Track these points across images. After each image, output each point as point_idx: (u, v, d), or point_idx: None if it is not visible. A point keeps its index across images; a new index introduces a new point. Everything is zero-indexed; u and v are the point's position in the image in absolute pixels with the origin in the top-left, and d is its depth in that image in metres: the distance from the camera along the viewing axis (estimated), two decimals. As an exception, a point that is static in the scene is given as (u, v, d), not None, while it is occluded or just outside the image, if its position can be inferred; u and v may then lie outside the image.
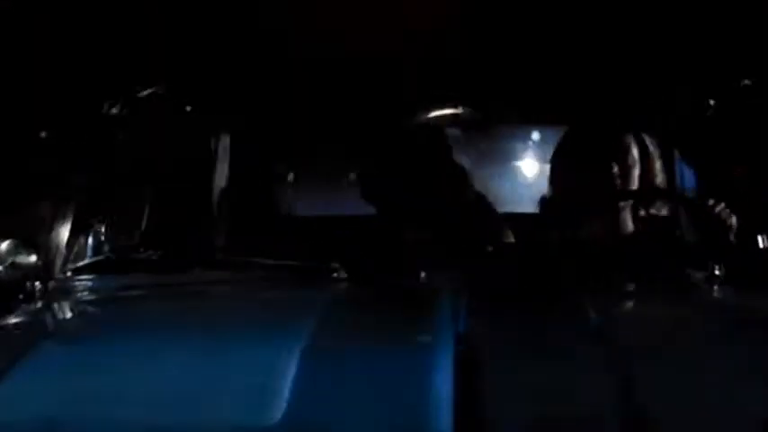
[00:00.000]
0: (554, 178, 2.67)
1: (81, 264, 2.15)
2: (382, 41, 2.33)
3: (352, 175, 2.77)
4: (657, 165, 2.61)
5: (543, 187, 2.74)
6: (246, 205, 2.67)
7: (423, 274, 1.99)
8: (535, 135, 3.35)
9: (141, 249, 2.21)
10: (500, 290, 1.91)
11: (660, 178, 2.62)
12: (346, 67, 2.49)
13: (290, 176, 3.02)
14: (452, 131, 2.81)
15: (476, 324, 1.58)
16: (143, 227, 2.45)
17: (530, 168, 3.46)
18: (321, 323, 1.59)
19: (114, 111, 2.29)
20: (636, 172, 2.60)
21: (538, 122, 3.18)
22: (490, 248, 2.18)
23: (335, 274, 2.06)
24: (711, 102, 2.60)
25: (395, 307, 1.86)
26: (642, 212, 2.59)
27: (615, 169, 2.57)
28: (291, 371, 1.38)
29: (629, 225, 2.60)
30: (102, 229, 2.28)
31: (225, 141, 2.78)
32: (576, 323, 1.66)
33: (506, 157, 3.44)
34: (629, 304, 2.10)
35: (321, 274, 2.05)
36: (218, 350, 1.54)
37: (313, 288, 2.01)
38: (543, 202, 2.68)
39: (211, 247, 2.44)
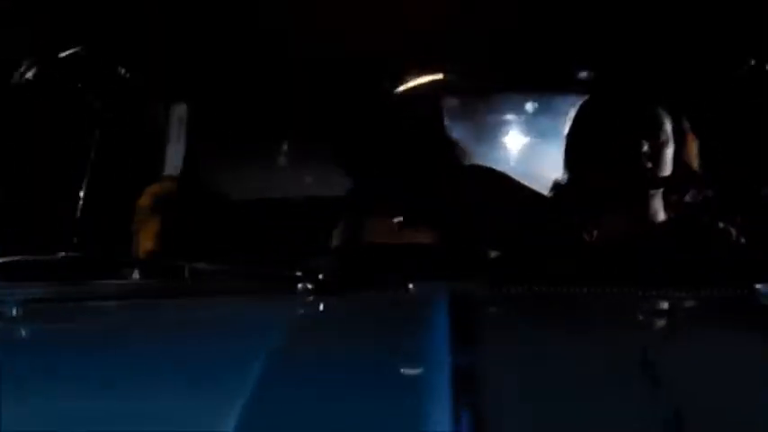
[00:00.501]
0: (570, 158, 2.24)
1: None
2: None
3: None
4: (695, 144, 2.16)
5: (544, 170, 2.36)
6: (199, 194, 2.22)
7: (411, 286, 1.64)
8: (530, 106, 2.86)
9: (59, 249, 1.76)
10: (509, 306, 1.61)
11: (698, 161, 2.18)
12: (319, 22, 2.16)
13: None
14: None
15: (480, 358, 1.25)
16: (61, 221, 2.00)
17: (531, 146, 2.99)
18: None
19: (28, 76, 1.90)
20: (669, 152, 2.17)
21: (541, 90, 2.70)
22: (495, 254, 1.71)
23: (300, 285, 1.64)
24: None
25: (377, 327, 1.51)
26: (676, 202, 2.17)
27: (645, 147, 2.11)
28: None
29: (662, 217, 2.18)
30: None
31: (177, 114, 2.42)
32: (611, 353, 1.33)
33: (499, 133, 2.97)
34: (671, 325, 1.72)
35: (284, 284, 1.66)
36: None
37: (273, 304, 1.63)
38: (557, 189, 2.24)
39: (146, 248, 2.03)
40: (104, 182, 2.14)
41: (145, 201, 2.12)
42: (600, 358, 1.30)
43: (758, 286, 1.63)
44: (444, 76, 2.35)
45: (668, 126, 2.18)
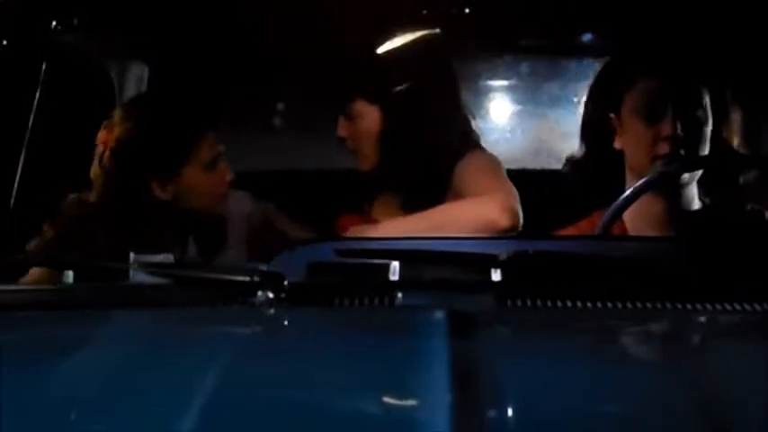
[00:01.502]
0: (587, 131, 1.97)
1: None
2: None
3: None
4: (736, 122, 1.86)
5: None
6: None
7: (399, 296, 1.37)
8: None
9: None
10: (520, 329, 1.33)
11: (738, 140, 1.87)
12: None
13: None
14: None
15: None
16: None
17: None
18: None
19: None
20: (707, 129, 1.87)
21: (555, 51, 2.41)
22: (504, 256, 1.38)
23: (260, 294, 1.33)
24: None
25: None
26: (714, 185, 1.90)
27: (677, 126, 1.80)
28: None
29: (696, 204, 1.91)
30: None
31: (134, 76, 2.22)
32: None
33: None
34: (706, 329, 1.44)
35: (238, 293, 1.36)
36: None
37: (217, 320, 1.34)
38: (571, 164, 1.94)
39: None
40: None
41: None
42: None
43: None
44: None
45: (706, 100, 1.86)
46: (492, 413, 1.03)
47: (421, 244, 1.51)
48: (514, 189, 1.85)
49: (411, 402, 1.06)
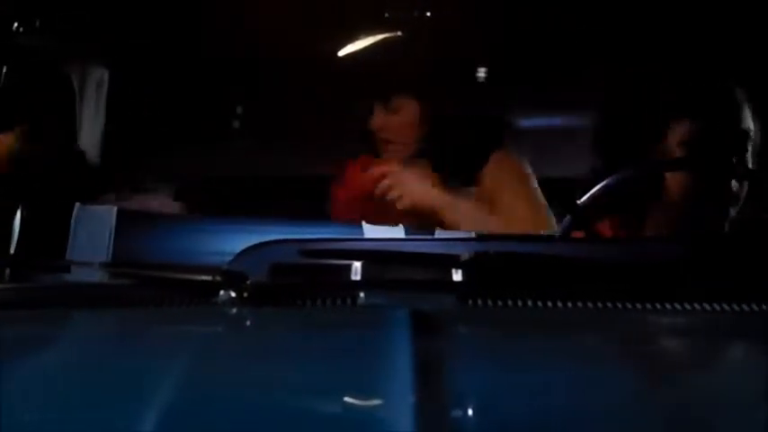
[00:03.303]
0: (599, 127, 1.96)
1: None
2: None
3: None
4: (750, 123, 1.85)
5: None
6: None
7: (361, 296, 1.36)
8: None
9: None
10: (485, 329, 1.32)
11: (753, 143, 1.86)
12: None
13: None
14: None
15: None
16: None
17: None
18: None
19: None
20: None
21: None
22: (466, 256, 1.39)
23: (222, 293, 1.32)
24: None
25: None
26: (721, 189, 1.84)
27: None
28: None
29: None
30: None
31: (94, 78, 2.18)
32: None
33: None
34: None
35: (199, 292, 1.34)
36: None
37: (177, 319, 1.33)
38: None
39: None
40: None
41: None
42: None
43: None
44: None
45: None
46: (455, 413, 1.02)
47: (383, 244, 1.52)
48: (542, 198, 1.94)
49: (374, 402, 1.05)
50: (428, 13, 2.22)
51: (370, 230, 1.73)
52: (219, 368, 1.11)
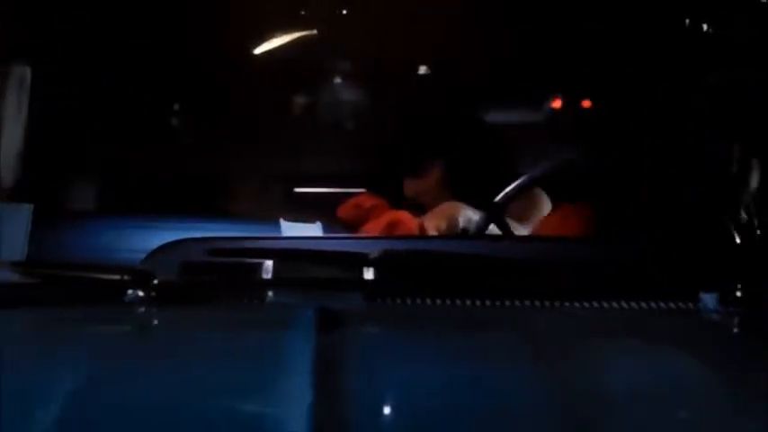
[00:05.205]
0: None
1: None
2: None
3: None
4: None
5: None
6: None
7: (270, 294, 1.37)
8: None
9: None
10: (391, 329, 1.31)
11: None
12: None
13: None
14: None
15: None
16: None
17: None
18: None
19: None
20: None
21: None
22: (375, 255, 1.39)
23: (130, 292, 1.32)
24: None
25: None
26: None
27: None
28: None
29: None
30: None
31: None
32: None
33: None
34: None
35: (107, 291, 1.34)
36: None
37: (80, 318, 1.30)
38: None
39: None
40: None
41: None
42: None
43: (703, 296, 1.39)
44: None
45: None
46: (352, 412, 1.02)
47: (294, 243, 1.52)
48: None
49: (271, 402, 1.04)
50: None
51: (288, 228, 1.73)
52: (118, 370, 1.11)
